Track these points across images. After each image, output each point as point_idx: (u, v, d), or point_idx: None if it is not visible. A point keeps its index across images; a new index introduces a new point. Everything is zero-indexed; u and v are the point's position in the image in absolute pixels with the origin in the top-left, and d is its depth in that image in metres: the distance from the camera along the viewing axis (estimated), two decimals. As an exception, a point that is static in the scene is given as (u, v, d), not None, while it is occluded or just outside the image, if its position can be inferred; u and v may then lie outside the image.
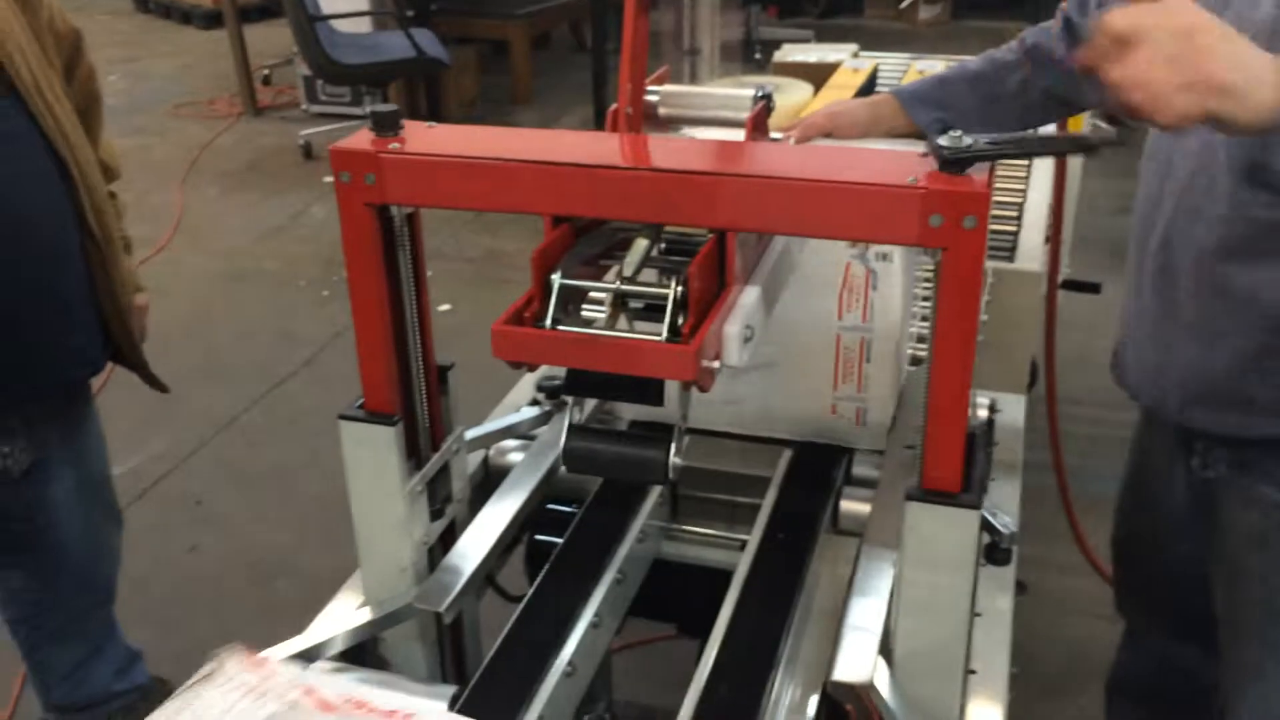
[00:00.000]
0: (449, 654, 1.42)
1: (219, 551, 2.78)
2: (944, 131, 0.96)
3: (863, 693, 1.07)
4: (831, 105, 1.68)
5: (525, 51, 6.65)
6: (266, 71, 6.86)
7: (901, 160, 1.00)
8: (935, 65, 2.77)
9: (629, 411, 1.60)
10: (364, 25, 5.70)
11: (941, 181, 0.95)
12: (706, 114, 1.31)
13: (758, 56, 4.42)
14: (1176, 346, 1.37)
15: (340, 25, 5.24)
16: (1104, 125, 0.94)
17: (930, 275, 1.04)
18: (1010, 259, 2.05)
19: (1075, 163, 2.63)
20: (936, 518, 1.04)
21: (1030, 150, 1.18)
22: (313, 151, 5.64)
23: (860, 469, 1.51)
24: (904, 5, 8.25)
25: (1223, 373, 1.33)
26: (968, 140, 0.96)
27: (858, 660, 1.09)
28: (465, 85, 6.37)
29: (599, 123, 6.24)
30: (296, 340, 3.79)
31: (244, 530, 2.86)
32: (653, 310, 1.08)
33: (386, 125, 1.12)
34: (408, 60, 5.32)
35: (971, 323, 0.99)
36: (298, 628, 1.26)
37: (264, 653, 1.20)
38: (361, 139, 1.13)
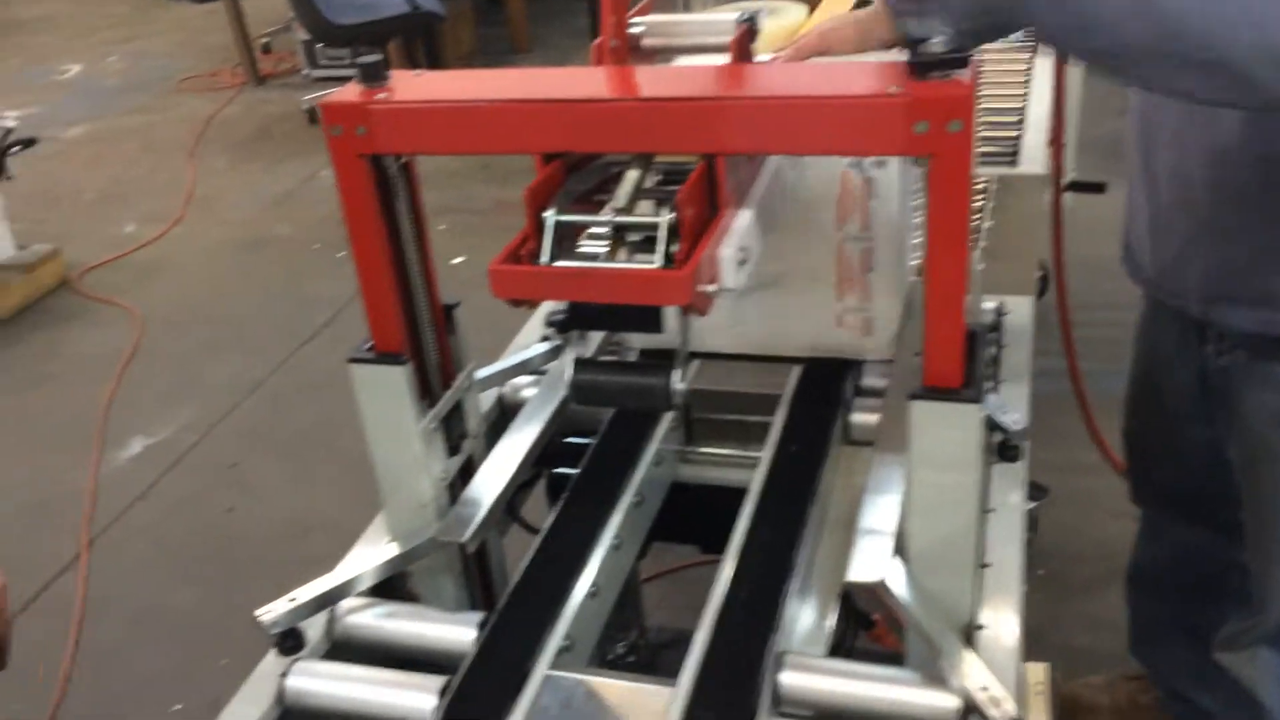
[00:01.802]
0: (477, 585, 1.45)
1: (255, 512, 2.83)
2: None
3: (878, 591, 1.09)
4: (821, 24, 1.67)
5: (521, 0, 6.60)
6: (266, 40, 6.84)
7: (883, 70, 0.99)
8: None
9: (638, 341, 1.61)
10: (357, -16, 5.65)
11: (924, 88, 0.95)
12: (690, 41, 1.31)
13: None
14: (1195, 244, 1.37)
15: (335, -15, 5.21)
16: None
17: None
18: (1013, 164, 2.03)
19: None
20: (939, 414, 1.05)
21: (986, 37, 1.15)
22: (317, 116, 5.62)
23: (869, 380, 1.53)
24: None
25: (1244, 269, 1.32)
26: (938, 41, 0.95)
27: (872, 561, 1.11)
28: (463, 38, 6.33)
29: (600, 66, 6.19)
30: (315, 303, 3.82)
31: (278, 491, 2.91)
32: (651, 241, 1.10)
33: (373, 76, 1.13)
34: (403, 16, 5.29)
35: (961, 225, 0.99)
36: (336, 577, 1.29)
37: (294, 592, 1.24)
38: (350, 92, 1.13)
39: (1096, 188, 2.40)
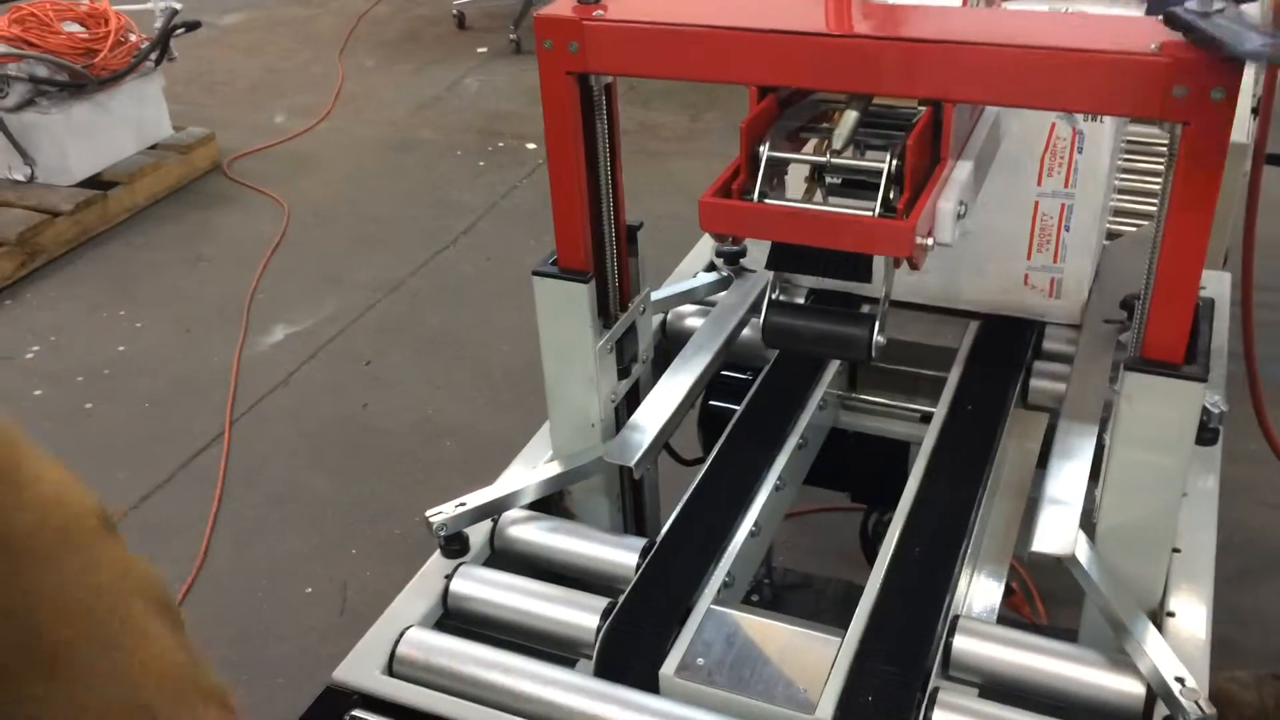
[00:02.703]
0: (630, 511, 1.45)
1: (389, 408, 2.88)
2: None
3: (1067, 564, 1.05)
4: None
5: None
6: (418, -60, 6.83)
7: (1141, 27, 0.93)
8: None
9: (808, 280, 1.57)
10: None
11: (1188, 50, 0.88)
12: None
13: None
14: None
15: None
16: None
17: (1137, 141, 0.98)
18: (1215, 130, 1.92)
19: (1288, 28, 2.42)
20: (1157, 389, 1.00)
21: None
22: (465, 22, 5.62)
23: (1051, 343, 1.47)
24: None
25: None
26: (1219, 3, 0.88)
27: (1059, 532, 1.07)
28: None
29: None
30: (454, 209, 3.85)
31: (411, 391, 2.96)
32: (854, 185, 1.06)
33: None
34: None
35: (1210, 198, 0.93)
36: (467, 485, 1.29)
37: (463, 498, 1.25)
38: (564, 6, 1.10)
39: (1300, 163, 2.25)
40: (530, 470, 1.34)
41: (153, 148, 4.12)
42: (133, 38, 4.03)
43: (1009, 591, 2.00)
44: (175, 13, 4.05)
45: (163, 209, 3.99)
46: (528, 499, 1.29)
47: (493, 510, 1.27)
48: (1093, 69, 0.92)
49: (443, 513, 1.22)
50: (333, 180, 4.20)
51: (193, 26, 4.17)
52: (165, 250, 3.73)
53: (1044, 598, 2.08)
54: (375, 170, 4.28)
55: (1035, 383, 1.42)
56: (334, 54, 5.38)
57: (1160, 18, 0.91)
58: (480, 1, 5.69)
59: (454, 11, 5.69)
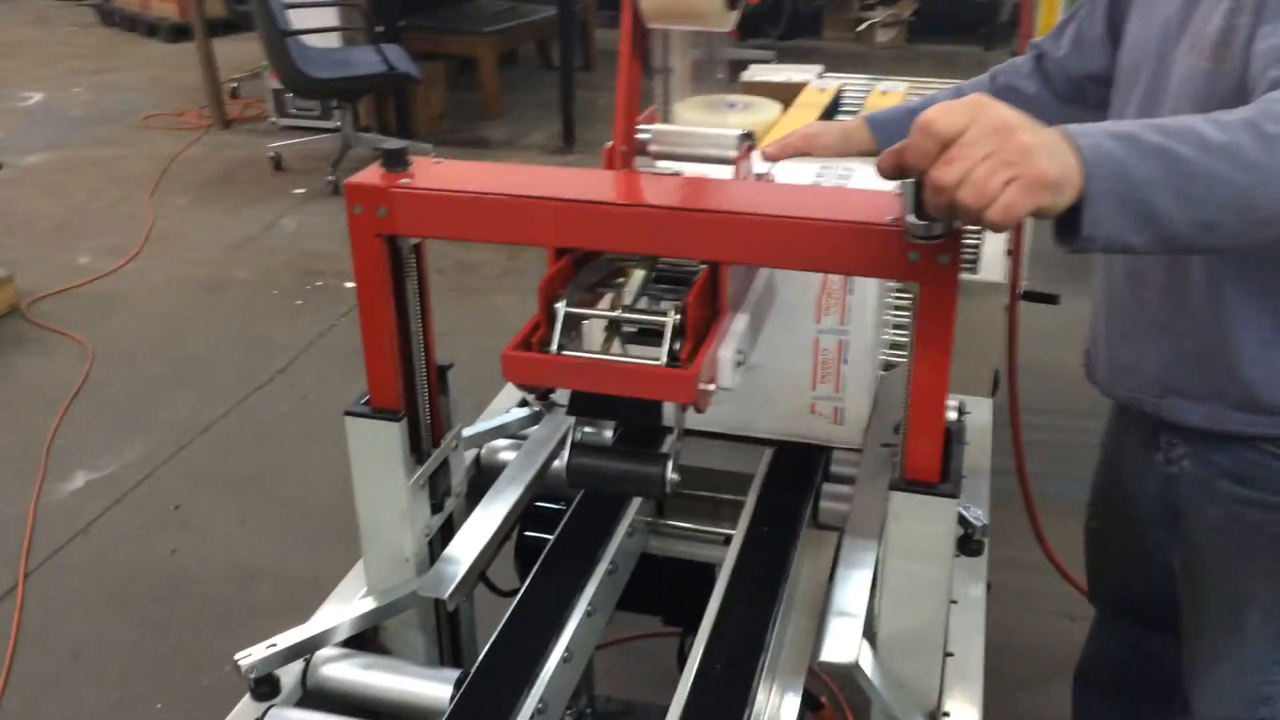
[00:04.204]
0: (448, 643, 1.47)
1: (200, 553, 2.80)
2: None
3: (849, 672, 1.14)
4: (808, 127, 1.76)
5: (493, 68, 6.72)
6: (234, 85, 6.87)
7: (879, 201, 1.07)
8: (898, 87, 2.86)
9: (615, 412, 1.66)
10: (334, 40, 5.73)
11: None
12: (694, 152, 1.38)
13: (720, 76, 4.52)
14: (1149, 344, 1.44)
15: (310, 40, 5.27)
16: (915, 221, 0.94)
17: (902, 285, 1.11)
18: (974, 270, 2.14)
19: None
20: (917, 506, 1.11)
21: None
22: (282, 164, 5.66)
23: (838, 466, 1.59)
24: (861, 28, 8.41)
25: (1195, 366, 1.39)
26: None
27: (844, 642, 1.16)
28: (434, 100, 6.41)
29: (566, 137, 6.31)
30: (271, 348, 3.82)
31: (223, 534, 2.88)
32: (645, 334, 1.16)
33: (396, 162, 1.18)
34: (378, 75, 5.36)
35: (946, 340, 1.06)
36: (284, 628, 1.29)
37: (274, 638, 1.25)
38: (373, 174, 1.18)
39: (1050, 299, 2.52)
40: (344, 607, 1.35)
41: (-56, 290, 3.95)
42: (-74, 178, 3.89)
43: (817, 706, 2.09)
44: (-26, 153, 3.95)
45: (-47, 353, 3.81)
46: (341, 636, 1.30)
47: (305, 649, 1.27)
48: (842, 237, 1.05)
49: (252, 655, 1.22)
50: (141, 321, 4.10)
51: (-6, 167, 4.07)
52: (-46, 396, 3.56)
53: (853, 709, 2.17)
54: (187, 310, 4.21)
55: (824, 504, 1.53)
56: (145, 194, 5.31)
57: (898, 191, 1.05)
58: (297, 144, 5.74)
59: (270, 153, 5.72)
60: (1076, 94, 1.62)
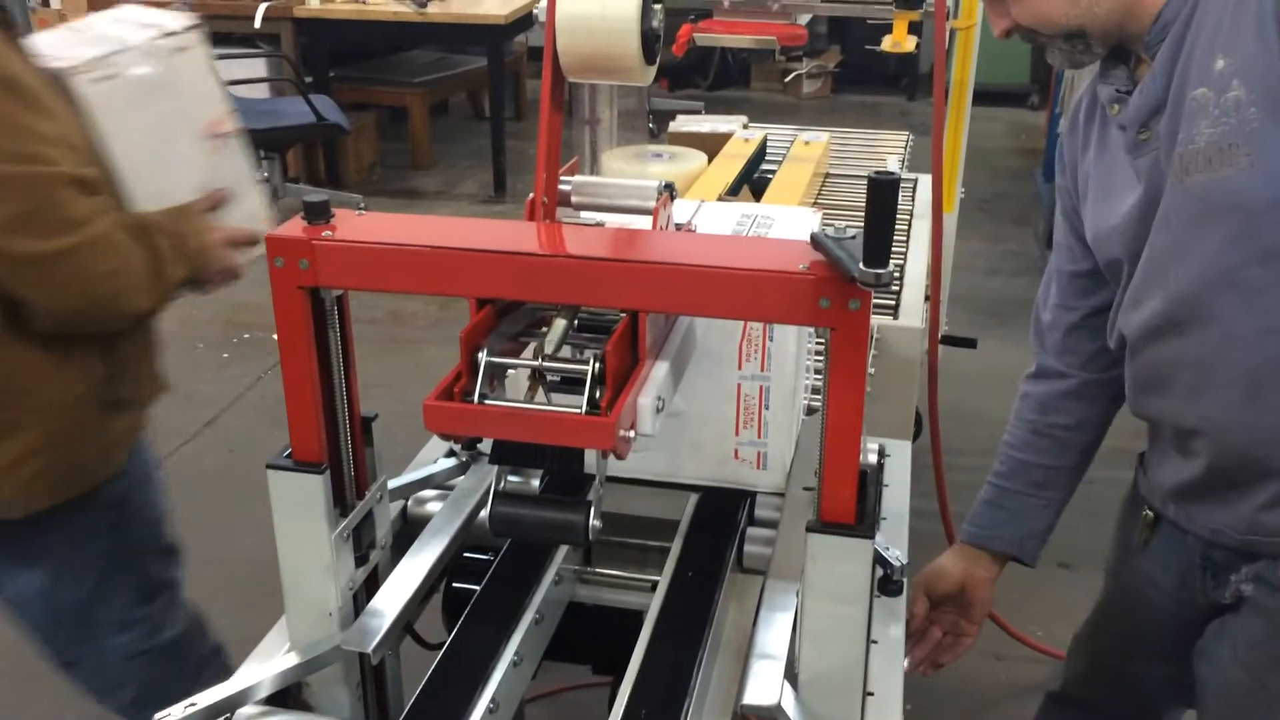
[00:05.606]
0: (373, 699, 1.46)
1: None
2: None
3: (772, 714, 1.16)
4: (925, 572, 1.84)
5: (424, 118, 6.74)
6: (160, 135, 6.80)
7: (793, 249, 1.10)
8: (820, 137, 2.93)
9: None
10: (262, 91, 5.73)
11: (829, 269, 1.05)
12: (615, 202, 1.41)
13: (651, 126, 4.60)
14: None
15: (238, 91, 5.26)
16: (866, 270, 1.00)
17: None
18: (894, 316, 2.19)
19: (950, 226, 2.82)
20: (834, 547, 1.14)
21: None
22: (210, 215, 5.61)
23: (762, 511, 1.61)
24: (788, 79, 8.60)
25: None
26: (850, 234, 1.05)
27: (766, 685, 1.18)
28: (364, 151, 6.42)
29: (498, 187, 6.35)
30: (196, 402, 3.76)
31: (144, 595, 2.81)
32: (568, 383, 1.18)
33: (318, 214, 1.19)
34: (307, 125, 5.35)
35: (858, 384, 1.09)
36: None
37: (193, 697, 1.23)
38: (294, 226, 1.19)
39: (968, 343, 2.59)
40: (266, 663, 1.34)
41: None
42: None
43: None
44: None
45: None
46: (264, 693, 1.29)
47: (226, 708, 1.26)
48: (756, 285, 1.08)
49: (171, 714, 1.20)
50: (62, 376, 4.02)
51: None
52: None
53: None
54: (110, 365, 4.13)
55: (749, 548, 1.55)
56: (66, 246, 5.22)
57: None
58: (226, 195, 5.70)
59: (197, 205, 5.66)
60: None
